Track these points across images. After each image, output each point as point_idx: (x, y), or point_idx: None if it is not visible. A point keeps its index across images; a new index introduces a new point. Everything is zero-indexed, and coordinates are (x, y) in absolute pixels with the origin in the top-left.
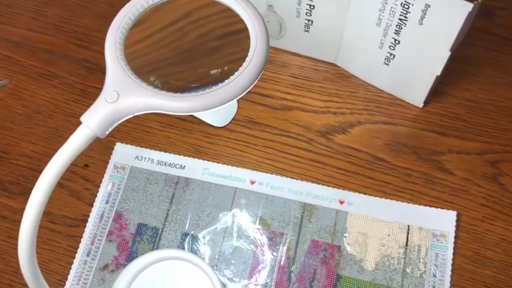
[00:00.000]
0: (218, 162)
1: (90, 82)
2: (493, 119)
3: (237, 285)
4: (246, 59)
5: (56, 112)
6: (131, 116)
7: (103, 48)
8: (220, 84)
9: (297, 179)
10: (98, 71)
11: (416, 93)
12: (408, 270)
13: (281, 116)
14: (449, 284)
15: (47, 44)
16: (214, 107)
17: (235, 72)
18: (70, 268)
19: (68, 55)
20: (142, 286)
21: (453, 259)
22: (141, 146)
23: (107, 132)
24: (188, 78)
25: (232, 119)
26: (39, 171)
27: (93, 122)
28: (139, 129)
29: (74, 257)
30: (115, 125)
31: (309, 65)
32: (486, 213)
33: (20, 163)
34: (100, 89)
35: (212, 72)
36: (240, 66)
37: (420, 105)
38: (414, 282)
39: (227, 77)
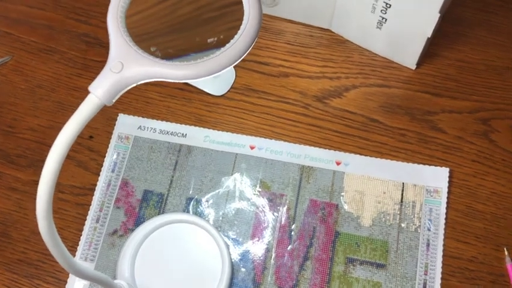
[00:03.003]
0: (218, 130)
1: (90, 56)
2: (485, 78)
3: (241, 245)
4: (240, 27)
5: (58, 86)
6: (135, 85)
7: (102, 22)
8: (216, 52)
9: (295, 143)
10: (97, 45)
11: (409, 56)
12: (403, 225)
13: (278, 82)
14: (442, 237)
15: (46, 19)
16: (211, 73)
17: (231, 40)
18: (81, 235)
19: (67, 30)
20: (151, 249)
21: (446, 213)
22: (143, 117)
23: (113, 101)
24: (187, 47)
25: (231, 88)
26: (46, 144)
27: (100, 91)
28: (140, 100)
29: (84, 224)
30: (121, 93)
31: (304, 31)
32: (478, 169)
33: (26, 136)
34: (100, 62)
35: (208, 41)
36: (235, 34)
37: (413, 67)
38: (410, 236)
39: (223, 45)
